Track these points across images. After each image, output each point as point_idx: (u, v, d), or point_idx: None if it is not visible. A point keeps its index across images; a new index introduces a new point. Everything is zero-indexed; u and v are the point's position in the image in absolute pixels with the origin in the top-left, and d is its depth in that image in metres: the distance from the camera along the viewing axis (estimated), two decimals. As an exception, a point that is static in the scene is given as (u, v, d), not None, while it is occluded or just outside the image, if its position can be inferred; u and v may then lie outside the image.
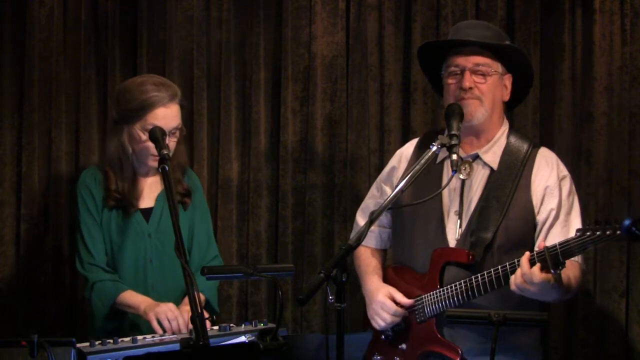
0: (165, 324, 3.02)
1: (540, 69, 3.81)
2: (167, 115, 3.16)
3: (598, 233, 2.61)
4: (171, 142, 3.15)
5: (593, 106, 3.76)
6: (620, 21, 3.73)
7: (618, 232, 2.56)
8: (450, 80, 3.03)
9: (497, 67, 3.03)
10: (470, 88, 2.98)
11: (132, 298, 3.17)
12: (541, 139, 3.80)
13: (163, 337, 2.94)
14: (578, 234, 2.67)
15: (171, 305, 3.08)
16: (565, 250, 2.69)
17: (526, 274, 2.72)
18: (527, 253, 2.75)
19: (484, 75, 3.00)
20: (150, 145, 3.11)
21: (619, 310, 3.71)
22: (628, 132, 3.74)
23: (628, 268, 3.72)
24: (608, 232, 2.59)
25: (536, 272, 2.71)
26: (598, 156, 3.75)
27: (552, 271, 2.71)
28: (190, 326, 3.02)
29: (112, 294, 3.18)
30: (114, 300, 3.17)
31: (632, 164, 3.73)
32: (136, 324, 3.18)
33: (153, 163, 3.17)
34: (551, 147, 3.69)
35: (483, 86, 3.00)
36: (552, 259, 2.70)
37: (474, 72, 2.99)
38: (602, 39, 3.74)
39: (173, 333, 3.00)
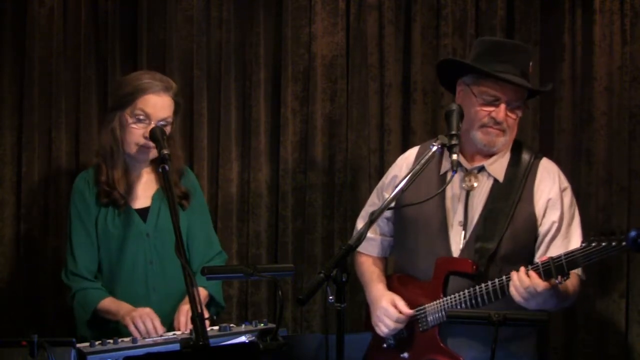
0: (140, 326, 3.00)
1: (540, 69, 3.81)
2: (157, 103, 3.14)
3: (603, 244, 2.64)
4: None
5: (593, 106, 3.76)
6: (620, 21, 3.73)
7: (623, 243, 2.57)
8: (482, 108, 2.98)
9: (525, 98, 3.03)
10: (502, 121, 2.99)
11: (112, 304, 3.15)
12: (541, 140, 3.81)
13: (166, 337, 2.94)
14: (583, 244, 2.69)
15: (147, 310, 3.07)
16: (570, 260, 2.72)
17: (529, 286, 2.76)
18: (522, 268, 2.79)
19: (515, 109, 2.99)
20: (137, 131, 3.12)
21: (619, 311, 3.72)
22: (628, 132, 3.74)
23: (628, 268, 3.73)
24: (613, 243, 2.61)
25: (539, 283, 2.75)
26: (598, 156, 3.76)
27: (556, 281, 2.74)
28: (191, 326, 3.05)
29: (94, 301, 3.16)
30: (95, 307, 3.15)
31: (632, 164, 3.74)
32: (118, 331, 3.11)
33: (136, 152, 3.15)
34: (551, 148, 3.73)
35: (512, 120, 3.00)
36: (557, 269, 2.72)
37: (508, 105, 2.97)
38: (602, 39, 3.74)
39: (148, 335, 2.99)
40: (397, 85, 3.92)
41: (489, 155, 3.06)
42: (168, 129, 3.18)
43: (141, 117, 3.14)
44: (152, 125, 3.12)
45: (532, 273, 2.77)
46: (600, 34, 3.74)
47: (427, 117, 3.90)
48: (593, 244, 2.66)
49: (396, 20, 3.91)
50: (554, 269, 2.74)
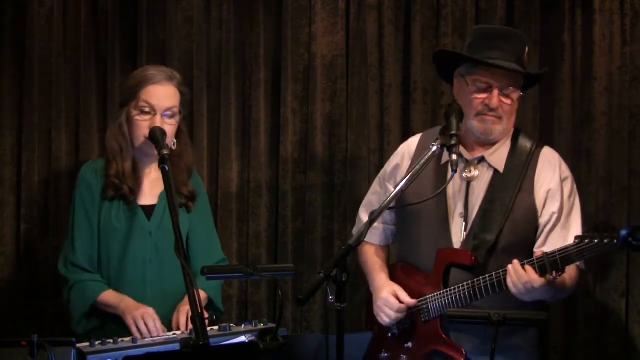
0: (142, 326, 3.01)
1: (540, 68, 3.81)
2: (160, 94, 3.15)
3: (596, 241, 2.66)
4: (166, 124, 3.14)
5: (593, 106, 3.76)
6: (620, 21, 3.73)
7: (615, 241, 2.58)
8: (475, 94, 2.99)
9: (521, 83, 3.03)
10: (497, 108, 2.98)
11: (112, 297, 3.14)
12: (541, 139, 3.78)
13: (166, 337, 2.94)
14: (576, 241, 2.71)
15: (150, 310, 3.07)
16: (564, 257, 2.74)
17: (527, 282, 2.77)
18: (516, 261, 2.80)
19: (510, 95, 2.99)
20: (142, 123, 3.13)
21: (619, 310, 3.71)
22: (628, 132, 3.74)
23: (628, 268, 3.73)
24: (606, 241, 2.64)
25: (536, 278, 2.77)
26: (598, 156, 3.75)
27: (551, 277, 2.76)
28: (191, 326, 3.04)
29: (93, 293, 3.15)
30: (94, 300, 3.14)
31: (632, 164, 3.73)
32: (117, 324, 3.12)
33: (144, 145, 3.14)
34: (551, 148, 3.71)
35: (507, 107, 3.00)
36: (552, 265, 2.74)
37: (501, 91, 2.97)
38: (602, 39, 3.74)
39: (150, 335, 2.99)
40: (397, 85, 3.92)
41: (489, 144, 3.06)
42: (175, 121, 3.19)
43: (146, 109, 3.14)
44: (158, 116, 3.13)
45: (528, 268, 2.78)
46: (600, 34, 3.74)
47: (427, 117, 3.89)
48: (586, 241, 2.68)
49: (396, 20, 3.91)
50: (548, 265, 2.76)
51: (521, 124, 3.75)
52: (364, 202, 3.34)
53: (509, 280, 2.81)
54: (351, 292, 3.78)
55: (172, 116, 3.17)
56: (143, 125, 3.13)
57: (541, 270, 2.77)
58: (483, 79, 2.98)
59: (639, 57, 3.73)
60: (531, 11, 3.83)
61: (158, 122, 3.12)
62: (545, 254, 2.77)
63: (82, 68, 3.89)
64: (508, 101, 2.99)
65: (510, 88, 2.98)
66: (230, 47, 3.96)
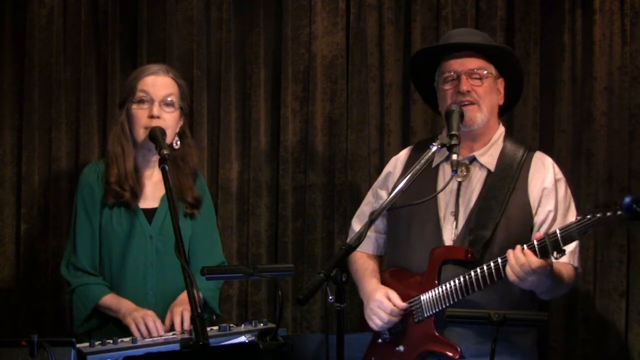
0: (142, 327, 3.01)
1: (540, 69, 3.81)
2: (155, 83, 3.18)
3: (598, 215, 2.60)
4: (165, 113, 3.15)
5: (593, 106, 3.76)
6: (620, 21, 3.73)
7: (619, 211, 2.54)
8: (446, 87, 3.05)
9: (492, 69, 3.06)
10: (468, 91, 3.00)
11: (114, 301, 3.15)
12: (541, 139, 3.81)
13: (166, 337, 2.94)
14: (578, 217, 2.66)
15: (150, 312, 3.07)
16: (565, 235, 2.69)
17: (524, 264, 2.74)
18: (518, 246, 2.77)
19: (480, 78, 3.03)
20: (141, 112, 3.15)
21: (619, 310, 3.71)
22: (628, 132, 3.74)
23: (628, 268, 3.72)
24: (608, 214, 2.57)
25: (533, 260, 2.73)
26: (598, 156, 3.75)
27: (552, 257, 2.72)
28: (187, 327, 3.04)
29: (95, 297, 3.15)
30: (96, 303, 3.14)
31: (632, 164, 3.73)
32: (117, 325, 3.12)
33: (145, 138, 3.14)
34: (551, 148, 3.72)
35: (480, 89, 3.02)
36: (553, 244, 2.71)
37: (469, 76, 3.01)
38: (602, 39, 3.74)
39: (150, 336, 2.99)
40: (397, 85, 3.92)
41: (478, 143, 3.07)
42: (174, 109, 3.19)
43: (143, 97, 3.16)
44: (156, 103, 3.14)
45: (527, 251, 2.76)
46: (600, 34, 3.74)
47: (427, 117, 3.89)
48: (588, 216, 2.63)
49: (396, 20, 3.91)
50: (549, 245, 2.72)
51: (521, 124, 3.77)
52: (358, 212, 3.35)
53: (507, 267, 2.77)
54: (351, 292, 3.77)
55: (170, 104, 3.18)
56: (142, 115, 3.14)
57: (542, 251, 2.73)
58: (447, 69, 3.04)
59: (639, 57, 3.73)
60: (531, 11, 3.83)
61: (156, 110, 3.13)
62: (547, 234, 2.74)
63: (82, 68, 3.89)
64: (478, 83, 3.02)
65: (478, 70, 3.02)
66: (230, 47, 3.96)
